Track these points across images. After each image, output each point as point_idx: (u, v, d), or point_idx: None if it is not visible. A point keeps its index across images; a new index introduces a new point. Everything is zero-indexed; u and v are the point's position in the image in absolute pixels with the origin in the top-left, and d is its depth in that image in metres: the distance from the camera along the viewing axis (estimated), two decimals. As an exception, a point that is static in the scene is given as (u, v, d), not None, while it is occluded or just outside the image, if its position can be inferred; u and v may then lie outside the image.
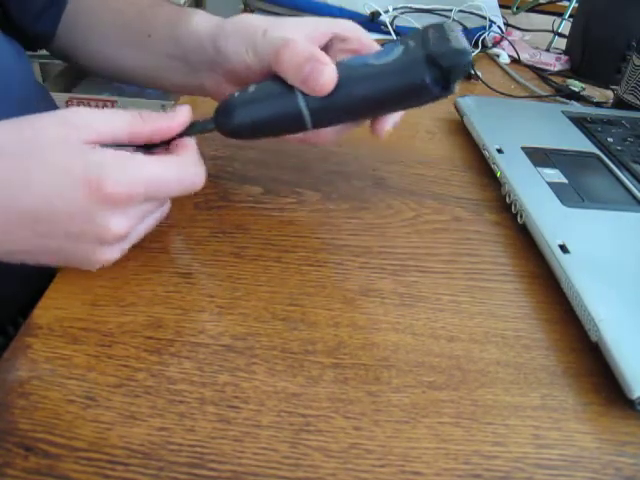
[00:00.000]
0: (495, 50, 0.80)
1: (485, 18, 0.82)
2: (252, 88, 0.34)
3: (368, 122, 0.37)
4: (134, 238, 0.33)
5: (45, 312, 0.31)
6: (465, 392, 0.29)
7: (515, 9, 0.97)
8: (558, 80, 0.73)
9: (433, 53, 0.30)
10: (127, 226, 0.31)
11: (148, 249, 0.36)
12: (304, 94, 0.32)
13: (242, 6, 0.87)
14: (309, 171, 0.46)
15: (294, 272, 0.35)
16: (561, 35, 0.85)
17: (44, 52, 0.52)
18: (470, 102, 0.57)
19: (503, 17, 0.89)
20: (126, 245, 0.32)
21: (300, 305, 0.33)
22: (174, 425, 0.26)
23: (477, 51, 0.77)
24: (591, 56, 0.76)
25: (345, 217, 0.41)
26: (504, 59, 0.78)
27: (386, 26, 0.81)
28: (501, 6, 0.91)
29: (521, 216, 0.41)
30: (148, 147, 0.32)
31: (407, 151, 0.51)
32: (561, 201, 0.42)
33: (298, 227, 0.40)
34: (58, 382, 0.27)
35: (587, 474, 0.26)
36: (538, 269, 0.38)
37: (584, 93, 0.70)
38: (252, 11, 0.85)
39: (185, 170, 0.32)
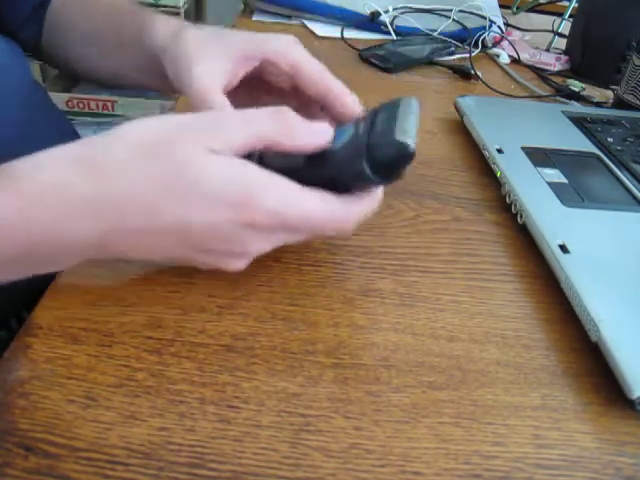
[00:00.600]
0: (495, 50, 0.80)
1: (485, 18, 0.82)
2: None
3: None
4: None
5: (45, 312, 0.31)
6: (465, 392, 0.29)
7: (515, 9, 0.97)
8: (558, 80, 0.73)
9: (372, 144, 0.29)
10: (266, 249, 0.31)
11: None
12: (259, 162, 0.31)
13: (242, 6, 0.87)
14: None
15: (294, 272, 0.35)
16: (561, 35, 0.85)
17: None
18: (470, 102, 0.57)
19: (503, 17, 0.89)
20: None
21: (300, 305, 0.33)
22: (174, 425, 0.26)
23: (477, 51, 0.77)
24: (591, 56, 0.76)
25: (345, 217, 0.41)
26: (504, 59, 0.78)
27: (386, 26, 0.81)
28: (501, 6, 0.91)
29: (521, 216, 0.41)
30: None
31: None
32: (561, 201, 0.42)
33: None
34: (58, 382, 0.27)
35: (587, 474, 0.26)
36: (538, 269, 0.38)
37: (584, 93, 0.70)
38: (252, 11, 0.85)
39: (344, 219, 0.31)
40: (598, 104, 0.68)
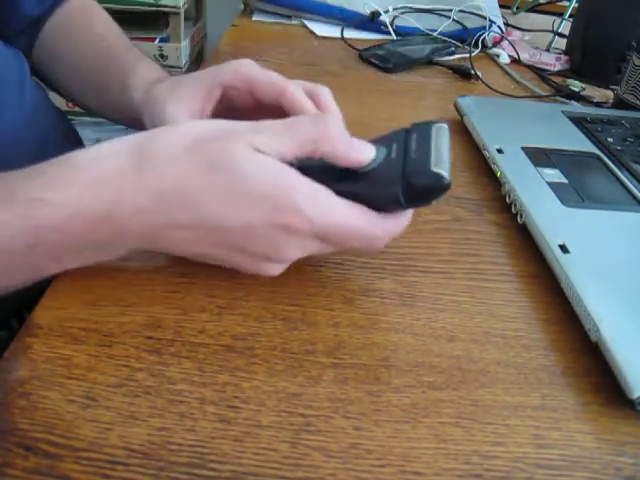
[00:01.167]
0: (495, 50, 0.80)
1: (485, 18, 0.82)
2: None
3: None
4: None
5: (45, 312, 0.31)
6: (465, 392, 0.29)
7: (515, 9, 0.97)
8: (558, 80, 0.73)
9: (409, 175, 0.29)
10: (299, 255, 0.31)
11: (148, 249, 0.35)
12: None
13: (242, 6, 0.87)
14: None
15: (294, 272, 0.35)
16: (561, 35, 0.85)
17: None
18: (470, 102, 0.57)
19: (503, 17, 0.89)
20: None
21: (300, 305, 0.33)
22: (174, 425, 0.26)
23: (477, 51, 0.77)
24: (591, 56, 0.76)
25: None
26: (504, 59, 0.78)
27: (386, 26, 0.81)
28: (501, 6, 0.91)
29: (521, 216, 0.41)
30: None
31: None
32: (561, 201, 0.42)
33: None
34: (58, 382, 0.27)
35: (587, 474, 0.26)
36: (538, 269, 0.38)
37: (584, 93, 0.70)
38: (252, 11, 0.85)
39: (376, 235, 0.31)
40: (598, 104, 0.68)
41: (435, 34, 0.80)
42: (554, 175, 0.46)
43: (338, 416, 0.27)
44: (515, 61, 0.78)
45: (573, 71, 0.77)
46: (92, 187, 0.29)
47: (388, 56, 0.72)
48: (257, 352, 0.30)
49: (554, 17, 0.89)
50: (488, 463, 0.26)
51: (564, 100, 0.68)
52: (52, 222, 0.28)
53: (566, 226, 0.39)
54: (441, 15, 0.84)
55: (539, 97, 0.68)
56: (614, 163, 0.49)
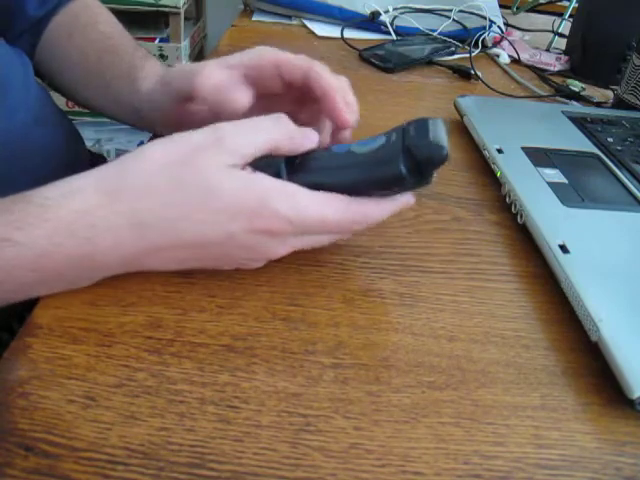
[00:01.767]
0: (495, 50, 0.80)
1: (485, 18, 0.82)
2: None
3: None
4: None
5: (45, 312, 0.31)
6: (465, 392, 0.29)
7: (515, 9, 0.97)
8: (558, 80, 0.73)
9: (410, 145, 0.31)
10: (286, 252, 0.32)
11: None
12: (286, 167, 0.32)
13: (242, 6, 0.87)
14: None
15: (294, 272, 0.35)
16: (561, 35, 0.85)
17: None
18: (470, 102, 0.57)
19: (503, 17, 0.89)
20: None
21: (300, 305, 0.33)
22: (174, 425, 0.26)
23: (477, 51, 0.77)
24: (591, 56, 0.76)
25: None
26: (504, 59, 0.78)
27: (386, 26, 0.81)
28: (501, 6, 0.91)
29: (521, 216, 0.41)
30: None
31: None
32: (561, 201, 0.42)
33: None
34: (58, 382, 0.27)
35: (587, 474, 0.26)
36: (538, 269, 0.38)
37: (584, 93, 0.70)
38: (252, 11, 0.85)
39: (349, 219, 0.32)
40: (598, 104, 0.68)
41: (435, 34, 0.80)
42: (554, 175, 0.46)
43: (338, 416, 0.27)
44: (515, 61, 0.78)
45: (573, 71, 0.77)
46: (63, 226, 0.28)
47: (388, 56, 0.72)
48: (257, 352, 0.30)
49: (554, 17, 0.89)
50: (488, 463, 0.26)
51: (564, 100, 0.68)
52: (21, 262, 0.28)
53: (566, 226, 0.39)
54: (441, 15, 0.84)
55: (539, 97, 0.68)
56: (614, 163, 0.49)
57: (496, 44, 0.81)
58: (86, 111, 0.53)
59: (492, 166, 0.47)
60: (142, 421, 0.26)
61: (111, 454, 0.25)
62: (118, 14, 0.53)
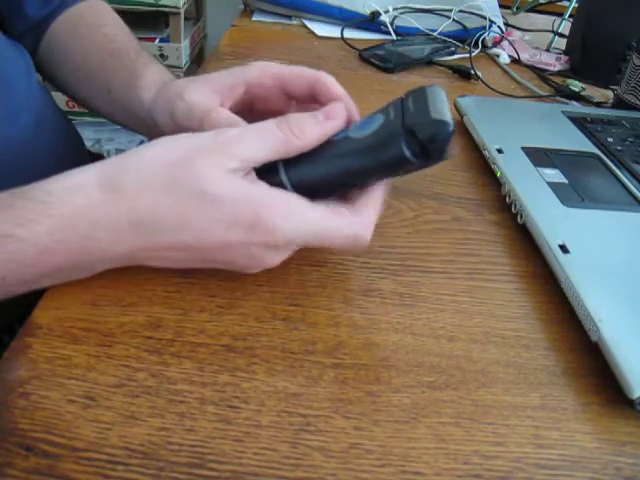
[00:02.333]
0: (495, 50, 0.80)
1: (485, 18, 0.82)
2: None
3: None
4: None
5: (45, 312, 0.31)
6: (465, 392, 0.29)
7: (515, 9, 0.97)
8: (558, 80, 0.73)
9: (410, 125, 0.29)
10: (280, 261, 0.32)
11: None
12: (284, 167, 0.31)
13: (242, 6, 0.87)
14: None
15: (294, 272, 0.35)
16: (561, 35, 0.85)
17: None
18: (470, 102, 0.57)
19: (503, 17, 0.89)
20: None
21: (300, 305, 0.33)
22: (174, 425, 0.26)
23: (477, 51, 0.77)
24: (591, 56, 0.76)
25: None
26: (504, 59, 0.78)
27: (386, 26, 0.81)
28: (501, 6, 0.91)
29: (521, 216, 0.41)
30: None
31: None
32: (561, 201, 0.42)
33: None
34: (58, 382, 0.27)
35: (587, 474, 0.26)
36: (538, 269, 0.38)
37: (584, 93, 0.70)
38: (252, 11, 0.85)
39: (352, 232, 0.31)
40: (598, 104, 0.68)
41: (435, 34, 0.80)
42: (554, 175, 0.46)
43: (338, 416, 0.27)
44: (515, 61, 0.78)
45: (573, 71, 0.77)
46: (65, 223, 0.29)
47: (388, 56, 0.72)
48: (257, 352, 0.30)
49: (554, 17, 0.89)
50: (488, 463, 0.26)
51: (564, 100, 0.68)
52: (23, 258, 0.28)
53: (566, 226, 0.39)
54: (441, 15, 0.84)
55: (539, 97, 0.68)
56: (614, 163, 0.49)
57: (496, 44, 0.81)
58: (86, 111, 0.53)
59: (492, 166, 0.47)
60: (142, 421, 0.26)
61: (111, 454, 0.25)
62: (118, 14, 0.53)
